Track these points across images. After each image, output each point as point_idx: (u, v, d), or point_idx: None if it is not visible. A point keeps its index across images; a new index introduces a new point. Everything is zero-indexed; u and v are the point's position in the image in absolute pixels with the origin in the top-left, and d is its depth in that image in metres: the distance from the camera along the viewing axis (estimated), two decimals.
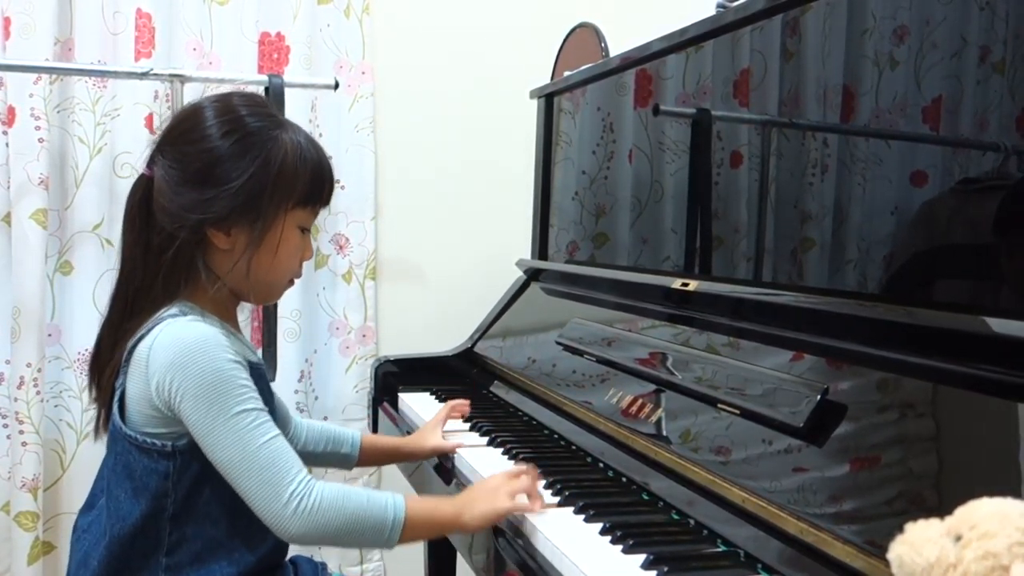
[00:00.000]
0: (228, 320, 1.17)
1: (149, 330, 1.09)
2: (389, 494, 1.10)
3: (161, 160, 1.13)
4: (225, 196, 1.09)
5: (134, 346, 1.10)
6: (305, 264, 1.21)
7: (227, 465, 1.05)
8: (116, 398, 1.12)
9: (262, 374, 1.16)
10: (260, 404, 1.08)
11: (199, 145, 1.11)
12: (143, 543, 1.09)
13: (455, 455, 1.40)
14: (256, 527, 1.09)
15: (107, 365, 1.15)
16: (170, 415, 1.07)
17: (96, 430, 1.19)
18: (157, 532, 1.09)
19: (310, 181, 1.15)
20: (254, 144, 1.11)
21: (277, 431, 1.07)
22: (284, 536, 1.06)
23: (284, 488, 1.03)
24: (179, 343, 1.06)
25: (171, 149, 1.13)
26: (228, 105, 1.14)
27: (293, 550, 1.24)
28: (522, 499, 1.10)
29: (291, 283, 1.21)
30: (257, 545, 1.13)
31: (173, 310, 1.11)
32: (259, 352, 1.93)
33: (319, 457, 1.41)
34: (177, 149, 1.13)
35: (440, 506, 1.13)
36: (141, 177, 1.16)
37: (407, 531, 1.08)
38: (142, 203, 1.14)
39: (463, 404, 1.53)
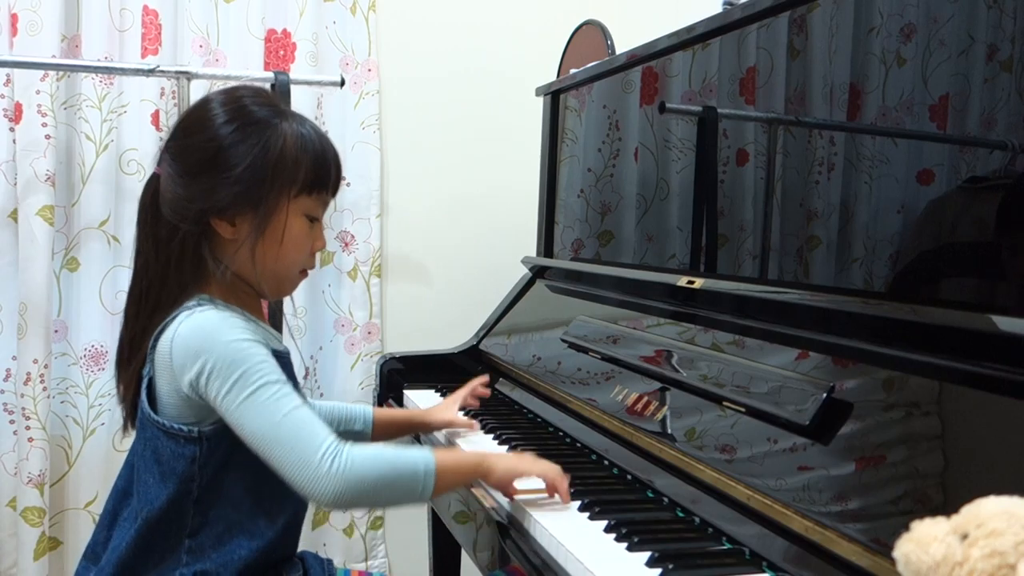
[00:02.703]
0: (251, 310, 1.17)
1: (170, 322, 1.11)
2: (417, 447, 1.12)
3: (166, 156, 1.15)
4: (225, 184, 1.10)
5: (157, 338, 1.11)
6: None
7: (256, 438, 1.05)
8: (144, 386, 1.13)
9: (288, 362, 1.17)
10: (282, 377, 1.09)
11: (201, 135, 1.12)
12: (169, 526, 1.10)
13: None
14: (275, 507, 1.11)
15: (131, 361, 1.17)
16: (200, 402, 1.08)
17: (124, 426, 1.20)
18: (182, 515, 1.10)
19: (312, 167, 1.15)
20: (254, 132, 1.12)
21: (300, 401, 1.08)
22: (321, 501, 1.06)
23: (315, 451, 1.04)
24: (197, 330, 1.08)
25: (174, 144, 1.15)
26: (233, 96, 1.16)
27: (302, 544, 1.25)
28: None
29: (304, 274, 1.21)
30: (274, 525, 1.14)
31: (192, 302, 1.12)
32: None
33: None
34: (180, 143, 1.14)
35: (465, 456, 1.18)
36: (152, 176, 1.18)
37: (439, 482, 1.10)
38: (152, 200, 1.16)
39: (483, 386, 1.56)
